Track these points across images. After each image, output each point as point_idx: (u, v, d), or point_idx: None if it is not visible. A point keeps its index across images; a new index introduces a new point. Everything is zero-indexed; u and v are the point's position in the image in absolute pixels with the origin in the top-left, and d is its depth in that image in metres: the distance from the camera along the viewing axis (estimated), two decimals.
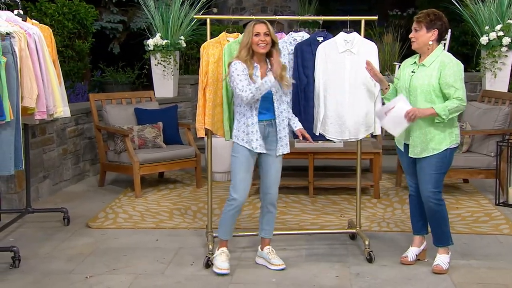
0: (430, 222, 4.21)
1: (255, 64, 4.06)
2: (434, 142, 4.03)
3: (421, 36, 4.03)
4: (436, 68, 4.00)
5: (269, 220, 4.30)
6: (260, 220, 4.34)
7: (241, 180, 4.10)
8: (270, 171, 4.20)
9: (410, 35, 4.09)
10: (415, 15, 4.12)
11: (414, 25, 4.06)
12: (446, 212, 4.16)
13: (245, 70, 4.02)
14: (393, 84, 4.30)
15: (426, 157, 4.05)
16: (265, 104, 4.08)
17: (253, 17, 4.82)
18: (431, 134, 4.03)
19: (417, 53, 4.16)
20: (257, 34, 4.00)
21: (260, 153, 4.13)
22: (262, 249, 4.33)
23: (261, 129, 4.08)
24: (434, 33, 4.04)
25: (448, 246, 4.21)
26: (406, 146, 4.16)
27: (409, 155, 4.11)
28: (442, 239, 4.19)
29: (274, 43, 4.06)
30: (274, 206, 4.29)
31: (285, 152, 4.21)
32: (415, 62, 4.13)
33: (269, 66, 4.11)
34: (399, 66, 4.45)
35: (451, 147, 4.09)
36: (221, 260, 4.17)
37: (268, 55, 4.09)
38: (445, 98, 4.00)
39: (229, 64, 4.10)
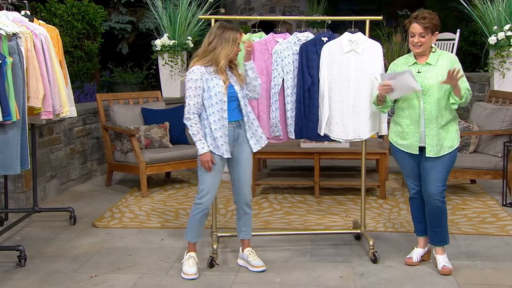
0: (433, 221, 4.18)
1: (218, 76, 4.01)
2: (448, 141, 4.09)
3: (427, 40, 4.02)
4: (444, 65, 4.03)
5: (246, 221, 4.28)
6: (237, 223, 4.31)
7: (210, 184, 4.08)
8: (241, 172, 4.18)
9: (416, 40, 4.01)
10: (418, 18, 4.02)
11: (420, 31, 3.99)
12: (447, 209, 4.22)
13: (199, 80, 3.94)
14: None
15: (440, 155, 4.08)
16: (232, 105, 4.05)
17: (259, 17, 4.88)
18: (443, 133, 4.08)
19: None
20: (238, 43, 4.00)
21: (232, 156, 4.12)
22: (242, 250, 4.31)
23: (230, 132, 4.05)
24: (436, 34, 4.07)
25: (446, 244, 4.24)
26: (420, 149, 4.13)
27: (427, 155, 4.08)
28: (443, 237, 4.21)
29: None
30: (249, 206, 4.26)
31: (263, 145, 4.18)
32: (415, 63, 4.10)
33: (228, 67, 4.08)
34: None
35: (459, 145, 4.17)
36: (188, 265, 4.13)
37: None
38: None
39: (192, 66, 4.02)
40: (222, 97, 3.98)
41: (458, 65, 4.05)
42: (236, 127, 4.10)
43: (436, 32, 4.05)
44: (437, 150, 4.08)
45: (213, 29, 4.02)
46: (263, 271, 4.18)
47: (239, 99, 4.07)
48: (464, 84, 4.00)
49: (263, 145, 4.22)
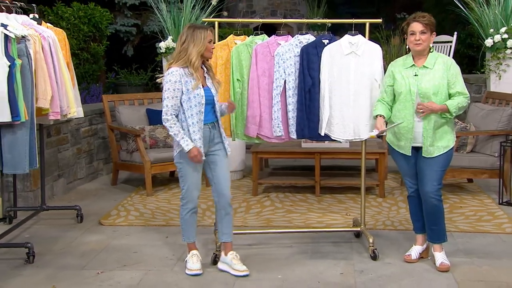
0: (430, 219, 4.23)
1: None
2: (443, 141, 4.13)
3: (427, 38, 4.08)
4: (440, 69, 4.09)
5: (228, 223, 4.24)
6: (219, 225, 4.26)
7: (192, 183, 4.13)
8: (221, 173, 4.19)
9: (417, 38, 4.07)
10: (417, 17, 4.10)
11: (421, 28, 4.06)
12: (443, 208, 4.26)
13: (178, 83, 3.96)
14: (387, 90, 4.28)
15: (435, 155, 4.13)
16: (208, 107, 4.08)
17: (261, 20, 4.94)
18: (438, 134, 4.12)
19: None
20: (210, 41, 4.03)
21: (207, 156, 4.15)
22: (226, 254, 4.23)
23: (206, 133, 4.09)
24: (434, 35, 4.14)
25: (443, 242, 4.28)
26: (413, 148, 4.19)
27: (423, 155, 4.13)
28: (440, 234, 4.25)
29: None
30: (230, 206, 4.24)
31: (229, 150, 4.23)
32: (413, 65, 4.15)
33: (205, 70, 4.12)
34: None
35: (454, 145, 4.22)
36: (192, 261, 4.19)
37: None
38: (450, 95, 4.11)
39: (168, 68, 4.04)
40: (201, 99, 4.01)
41: (454, 69, 4.11)
42: (212, 128, 4.14)
43: (434, 33, 4.12)
44: (431, 151, 4.13)
45: (184, 30, 4.06)
46: (246, 275, 4.12)
47: (214, 101, 4.12)
48: (452, 101, 4.06)
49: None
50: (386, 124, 4.25)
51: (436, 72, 4.09)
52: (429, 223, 4.26)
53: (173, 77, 3.97)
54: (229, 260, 4.21)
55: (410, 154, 4.19)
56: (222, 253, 4.28)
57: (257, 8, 15.67)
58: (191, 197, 4.16)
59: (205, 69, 4.14)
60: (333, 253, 4.54)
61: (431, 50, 4.16)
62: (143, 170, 6.26)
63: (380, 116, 4.23)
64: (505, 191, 5.85)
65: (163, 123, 4.03)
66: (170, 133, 4.03)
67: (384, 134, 4.38)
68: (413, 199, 4.36)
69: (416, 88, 4.09)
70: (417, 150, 4.20)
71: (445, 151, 4.16)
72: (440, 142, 4.13)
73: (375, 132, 4.24)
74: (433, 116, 4.09)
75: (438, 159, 4.14)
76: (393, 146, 4.30)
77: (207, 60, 4.15)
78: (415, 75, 4.12)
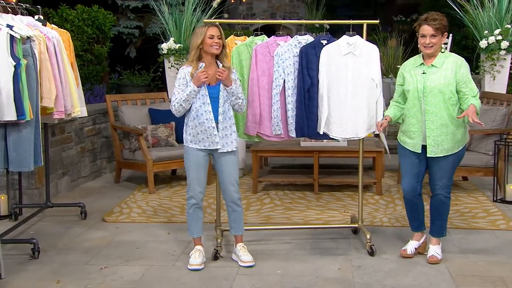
0: (434, 213, 4.29)
1: (201, 64, 4.15)
2: (454, 142, 4.16)
3: (437, 41, 4.09)
4: (449, 68, 4.10)
5: (236, 218, 4.36)
6: (228, 219, 4.41)
7: (193, 179, 4.21)
8: (224, 170, 4.26)
9: (428, 41, 4.07)
10: (428, 20, 4.08)
11: (432, 32, 4.06)
12: (450, 204, 4.33)
13: (182, 79, 4.14)
14: (398, 89, 4.33)
15: (441, 155, 4.16)
16: (214, 105, 4.16)
17: (261, 21, 4.99)
18: (458, 135, 4.16)
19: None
20: (211, 37, 4.11)
21: (213, 152, 4.23)
22: (235, 245, 4.40)
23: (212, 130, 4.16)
24: (445, 35, 4.17)
25: (442, 237, 4.36)
26: (422, 147, 4.21)
27: (428, 155, 4.15)
28: (442, 229, 4.33)
29: (223, 47, 4.18)
30: (236, 204, 4.31)
31: (228, 150, 4.23)
32: (422, 64, 4.18)
33: (219, 67, 4.19)
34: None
35: (466, 145, 4.30)
36: (194, 257, 4.27)
37: (217, 57, 4.20)
38: (459, 94, 4.13)
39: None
40: (200, 96, 4.12)
41: (464, 68, 4.12)
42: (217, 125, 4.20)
43: (445, 33, 4.14)
44: (438, 151, 4.14)
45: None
46: (251, 266, 4.24)
47: (219, 98, 4.17)
48: (477, 102, 4.05)
49: (229, 150, 4.25)
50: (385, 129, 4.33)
51: (444, 71, 4.10)
52: (433, 217, 4.32)
53: (179, 74, 4.18)
54: (237, 251, 4.34)
55: (420, 151, 4.21)
56: (234, 244, 4.43)
57: (257, 10, 15.74)
58: (193, 192, 4.24)
59: (219, 66, 4.18)
60: (331, 249, 4.59)
61: (442, 51, 4.17)
62: (145, 168, 6.32)
63: (386, 117, 4.30)
64: (499, 189, 5.90)
65: (175, 111, 4.18)
66: (178, 105, 4.11)
67: (379, 133, 4.38)
68: (407, 201, 4.38)
69: (423, 85, 4.13)
70: (425, 149, 4.22)
71: (457, 151, 4.19)
72: (451, 143, 4.15)
73: (370, 130, 4.31)
74: (435, 116, 4.11)
75: (450, 158, 4.18)
76: (404, 145, 4.30)
77: (219, 59, 4.21)
78: (423, 73, 4.15)
